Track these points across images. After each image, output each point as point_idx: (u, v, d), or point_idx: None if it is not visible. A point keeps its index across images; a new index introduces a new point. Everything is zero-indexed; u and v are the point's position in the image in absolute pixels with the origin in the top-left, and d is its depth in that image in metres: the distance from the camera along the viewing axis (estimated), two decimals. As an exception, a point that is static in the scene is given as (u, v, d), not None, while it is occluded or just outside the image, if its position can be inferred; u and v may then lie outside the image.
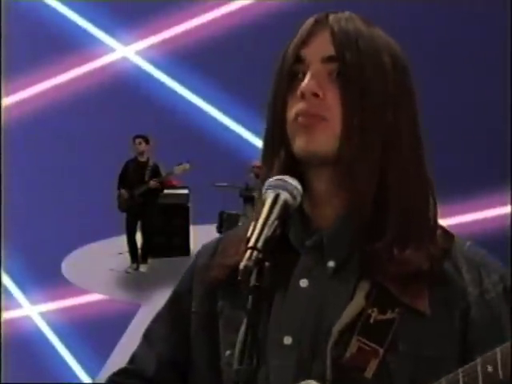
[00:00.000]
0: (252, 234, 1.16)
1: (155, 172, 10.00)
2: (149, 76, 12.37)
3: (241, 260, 1.14)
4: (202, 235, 10.52)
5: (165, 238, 10.66)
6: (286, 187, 1.22)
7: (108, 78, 12.14)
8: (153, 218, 10.20)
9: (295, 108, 1.27)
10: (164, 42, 12.27)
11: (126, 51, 12.49)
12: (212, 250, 1.42)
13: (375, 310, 1.24)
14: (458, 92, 9.56)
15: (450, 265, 1.28)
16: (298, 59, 1.29)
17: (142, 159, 10.03)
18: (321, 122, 1.26)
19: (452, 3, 9.78)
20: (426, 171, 1.31)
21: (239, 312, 1.24)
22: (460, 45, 9.76)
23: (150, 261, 10.18)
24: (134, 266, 10.08)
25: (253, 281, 1.13)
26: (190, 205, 10.91)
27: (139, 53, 12.46)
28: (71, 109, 11.87)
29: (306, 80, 1.26)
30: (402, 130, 1.28)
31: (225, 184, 10.17)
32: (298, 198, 1.23)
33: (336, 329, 1.24)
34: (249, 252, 1.14)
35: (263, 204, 1.21)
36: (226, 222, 10.26)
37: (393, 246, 1.25)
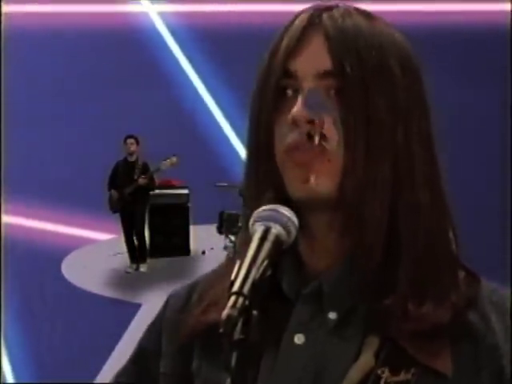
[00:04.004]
0: (237, 276, 0.96)
1: (144, 171, 10.06)
2: (162, 41, 12.22)
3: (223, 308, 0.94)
4: (201, 235, 10.53)
5: (165, 237, 10.66)
6: (278, 219, 1.00)
7: (122, 26, 11.93)
8: (144, 217, 10.27)
9: (286, 138, 1.05)
10: (190, 14, 12.06)
11: (150, 8, 12.32)
12: (184, 299, 1.18)
13: (386, 370, 1.03)
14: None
15: (475, 315, 1.06)
16: (287, 73, 1.06)
17: (132, 159, 10.10)
18: (319, 157, 1.04)
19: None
20: (445, 200, 1.09)
21: (219, 373, 1.02)
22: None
23: (149, 261, 10.19)
24: (134, 266, 10.10)
25: (237, 333, 0.93)
26: (189, 205, 10.91)
27: (162, 14, 12.29)
28: (74, 41, 11.71)
29: (299, 104, 1.04)
30: (414, 152, 1.06)
31: (225, 184, 10.15)
32: (293, 233, 1.01)
33: None
34: (233, 298, 0.94)
35: (250, 240, 0.99)
36: (225, 222, 10.25)
37: (407, 301, 1.04)
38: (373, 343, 1.04)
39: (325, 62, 1.05)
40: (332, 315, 1.06)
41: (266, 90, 1.08)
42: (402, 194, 1.05)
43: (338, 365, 1.04)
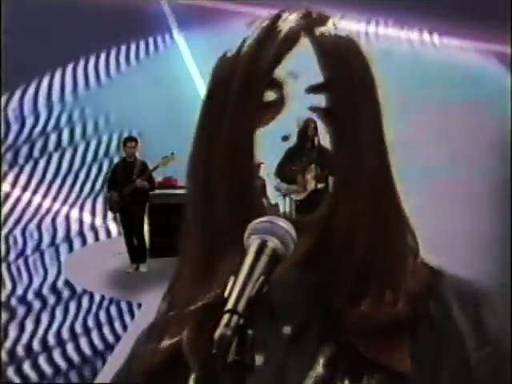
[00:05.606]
0: (230, 293, 0.88)
1: (143, 170, 10.08)
2: (167, 28, 12.17)
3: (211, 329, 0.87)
4: (202, 235, 10.52)
5: (165, 237, 10.66)
6: (274, 232, 0.92)
7: (128, 7, 11.92)
8: (143, 217, 10.33)
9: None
10: (202, 8, 12.04)
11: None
12: (146, 335, 1.13)
13: (346, 379, 0.97)
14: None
15: (436, 305, 1.01)
16: (273, 82, 0.99)
17: (130, 160, 10.12)
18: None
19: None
20: (403, 209, 1.04)
21: None
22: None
23: (149, 261, 10.20)
24: (134, 266, 10.11)
25: (232, 354, 0.85)
26: (190, 205, 10.91)
27: (171, 2, 12.26)
28: (76, 12, 11.74)
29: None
30: (387, 173, 1.03)
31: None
32: (291, 246, 0.93)
33: None
34: (226, 317, 0.86)
35: (245, 254, 0.92)
36: (226, 222, 10.26)
37: (355, 301, 0.98)
38: (326, 352, 0.99)
39: (316, 76, 1.00)
40: (286, 330, 1.01)
41: (244, 100, 1.00)
42: (376, 216, 1.01)
43: (296, 381, 0.99)
